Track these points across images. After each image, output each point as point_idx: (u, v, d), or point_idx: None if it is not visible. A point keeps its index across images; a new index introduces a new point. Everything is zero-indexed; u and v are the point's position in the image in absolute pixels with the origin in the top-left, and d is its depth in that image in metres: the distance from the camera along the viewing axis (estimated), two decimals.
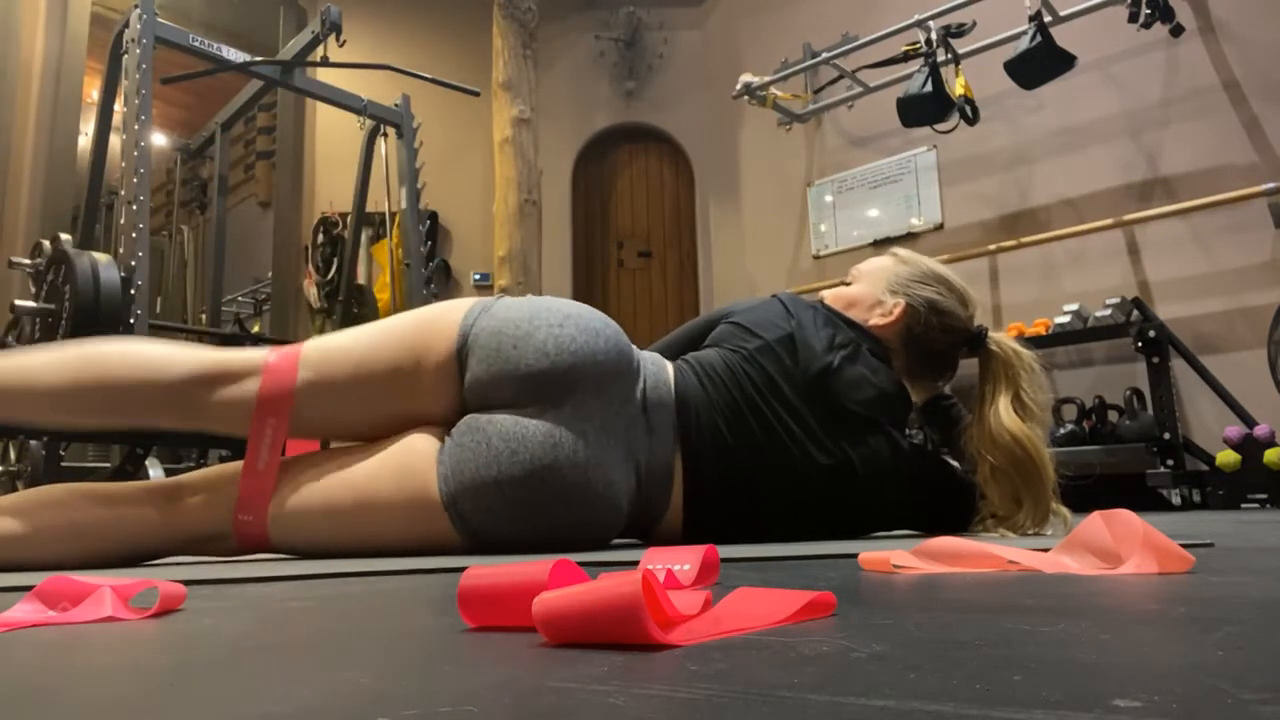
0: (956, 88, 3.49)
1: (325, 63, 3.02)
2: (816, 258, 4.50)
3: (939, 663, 0.30)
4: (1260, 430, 2.81)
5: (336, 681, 0.30)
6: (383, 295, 4.54)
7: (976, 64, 3.67)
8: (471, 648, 0.38)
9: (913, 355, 1.32)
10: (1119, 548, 0.64)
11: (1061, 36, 3.31)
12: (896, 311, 1.30)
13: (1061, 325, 3.24)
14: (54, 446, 2.58)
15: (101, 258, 2.29)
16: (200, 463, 3.02)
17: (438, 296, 3.47)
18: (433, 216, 4.92)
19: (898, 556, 0.70)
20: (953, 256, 3.64)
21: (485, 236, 4.75)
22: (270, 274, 5.13)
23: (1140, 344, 3.01)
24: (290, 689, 0.29)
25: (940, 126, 3.62)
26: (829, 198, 4.46)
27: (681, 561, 0.59)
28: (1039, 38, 3.25)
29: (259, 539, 1.06)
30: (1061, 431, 3.16)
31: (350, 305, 4.00)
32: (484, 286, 4.87)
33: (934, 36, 3.53)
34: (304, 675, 0.32)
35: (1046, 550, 0.70)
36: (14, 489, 2.65)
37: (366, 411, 1.11)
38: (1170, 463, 2.91)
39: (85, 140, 4.00)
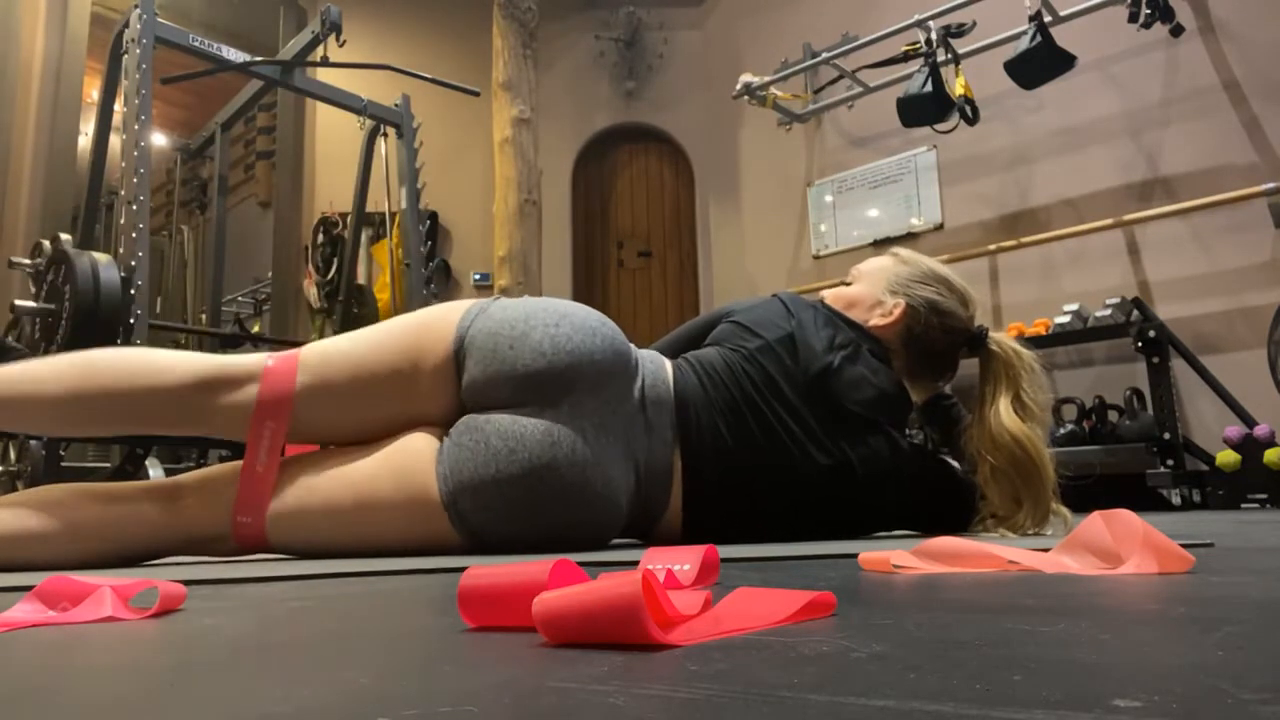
0: (956, 88, 3.49)
1: (325, 63, 3.02)
2: (816, 258, 4.50)
3: (939, 663, 0.30)
4: (1260, 430, 2.81)
5: (336, 681, 0.30)
6: (383, 295, 4.54)
7: (976, 64, 3.67)
8: (471, 648, 0.38)
9: (913, 355, 1.32)
10: (1119, 548, 0.64)
11: (1061, 36, 3.31)
12: (897, 312, 1.30)
13: (1061, 325, 3.24)
14: (54, 446, 2.58)
15: (101, 258, 2.29)
16: (200, 463, 3.02)
17: (438, 297, 3.47)
18: (433, 216, 4.92)
19: (898, 556, 0.70)
20: (953, 256, 3.64)
21: (485, 236, 4.75)
22: (270, 274, 5.13)
23: (1140, 344, 3.01)
24: (290, 689, 0.29)
25: (940, 126, 3.62)
26: (829, 198, 4.47)
27: (681, 561, 0.59)
28: (1039, 38, 3.25)
29: (257, 540, 1.06)
30: (1061, 431, 3.16)
31: (350, 305, 4.00)
32: (484, 286, 4.87)
33: (934, 36, 3.53)
34: (304, 675, 0.32)
35: (1046, 550, 0.70)
36: (14, 489, 2.65)
37: (365, 414, 1.11)
38: (1170, 463, 2.91)
39: (85, 140, 4.00)
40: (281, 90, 3.49)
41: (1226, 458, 2.84)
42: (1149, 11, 3.16)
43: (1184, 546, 0.62)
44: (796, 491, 1.18)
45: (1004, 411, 1.22)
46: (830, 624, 0.41)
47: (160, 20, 2.61)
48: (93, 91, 3.38)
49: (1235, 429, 2.87)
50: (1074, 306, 3.30)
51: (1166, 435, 2.94)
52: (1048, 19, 3.35)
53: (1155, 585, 0.55)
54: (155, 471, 2.23)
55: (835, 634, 0.38)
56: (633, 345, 1.20)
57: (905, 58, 3.77)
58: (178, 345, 4.43)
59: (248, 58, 2.92)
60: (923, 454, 1.32)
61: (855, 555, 0.79)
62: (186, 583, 0.63)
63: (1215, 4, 3.33)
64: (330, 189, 4.93)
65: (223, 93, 3.86)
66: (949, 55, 3.54)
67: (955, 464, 1.33)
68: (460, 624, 0.44)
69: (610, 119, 5.22)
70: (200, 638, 0.43)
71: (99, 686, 0.31)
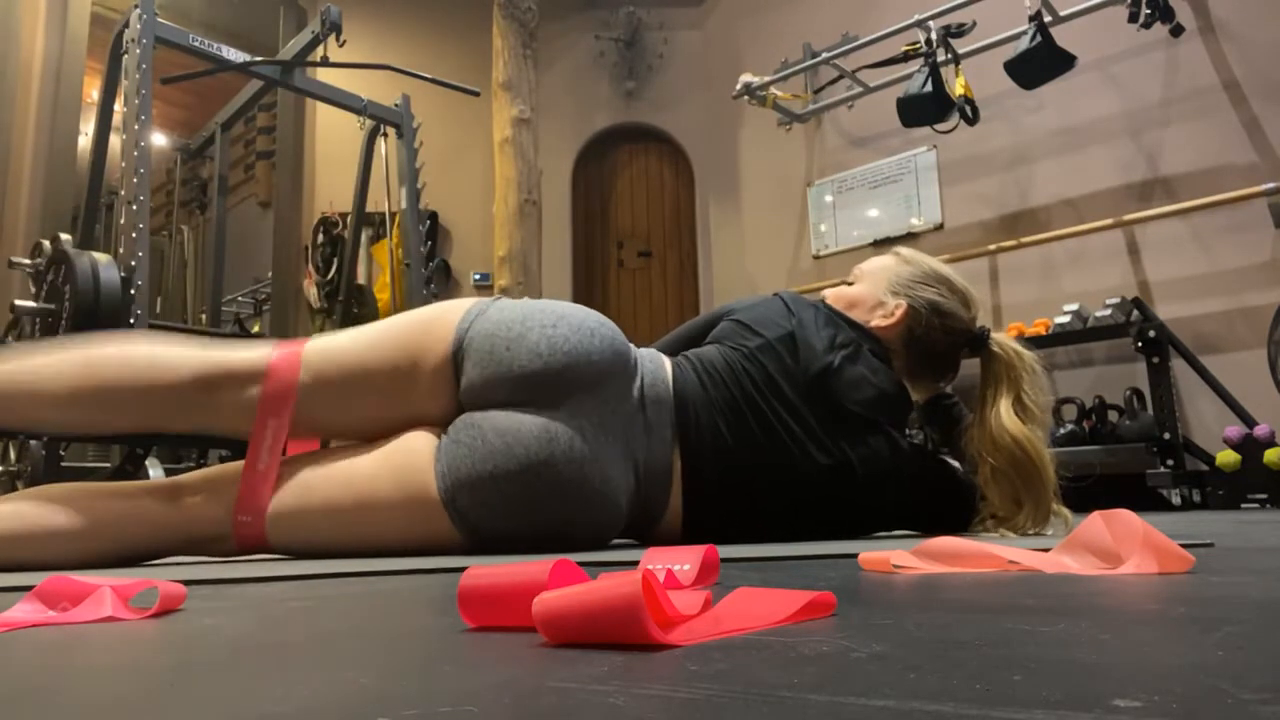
0: (956, 88, 3.49)
1: (325, 63, 3.02)
2: (816, 258, 4.50)
3: (939, 663, 0.30)
4: (1260, 430, 2.81)
5: (336, 681, 0.30)
6: (383, 295, 4.54)
7: (976, 64, 3.67)
8: (471, 648, 0.38)
9: (914, 356, 1.32)
10: (1119, 548, 0.64)
11: (1061, 36, 3.31)
12: (898, 313, 1.30)
13: (1061, 325, 3.24)
14: (54, 446, 2.58)
15: (101, 258, 2.29)
16: (200, 463, 3.02)
17: (438, 296, 3.47)
18: (433, 216, 4.92)
19: (898, 556, 0.70)
20: (953, 256, 3.64)
21: (485, 236, 4.75)
22: (270, 274, 5.13)
23: (1140, 344, 3.01)
24: (290, 689, 0.29)
25: (940, 126, 3.62)
26: (829, 198, 4.47)
27: (681, 561, 0.59)
28: (1039, 38, 3.25)
29: (257, 540, 1.06)
30: (1061, 431, 3.16)
31: (350, 305, 4.00)
32: (484, 286, 4.87)
33: (934, 36, 3.53)
34: (304, 675, 0.32)
35: (1046, 550, 0.70)
36: (14, 489, 2.65)
37: (366, 412, 1.12)
38: (1170, 463, 2.91)
39: (85, 140, 4.00)
40: (281, 90, 3.49)
41: (1226, 458, 2.84)
42: (1149, 11, 3.16)
43: (1184, 546, 0.62)
44: (796, 490, 1.18)
45: (1005, 413, 1.22)
46: (830, 624, 0.41)
47: (160, 20, 2.61)
48: (93, 91, 3.38)
49: (1235, 429, 2.87)
50: (1074, 306, 3.30)
51: (1166, 435, 2.95)
52: (1048, 19, 3.35)
53: (1155, 585, 0.55)
54: (155, 471, 2.23)
55: (835, 634, 0.38)
56: (632, 345, 1.20)
57: (905, 58, 3.77)
58: None
59: (248, 58, 2.92)
60: (922, 454, 1.32)
61: (855, 555, 0.79)
62: (186, 583, 0.63)
63: (1215, 4, 3.33)
64: (330, 189, 4.93)
65: (223, 93, 3.86)
66: (949, 55, 3.54)
67: (956, 464, 1.33)
68: (460, 624, 0.44)
69: (610, 119, 5.22)
70: (200, 638, 0.43)
71: (99, 686, 0.31)
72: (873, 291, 1.33)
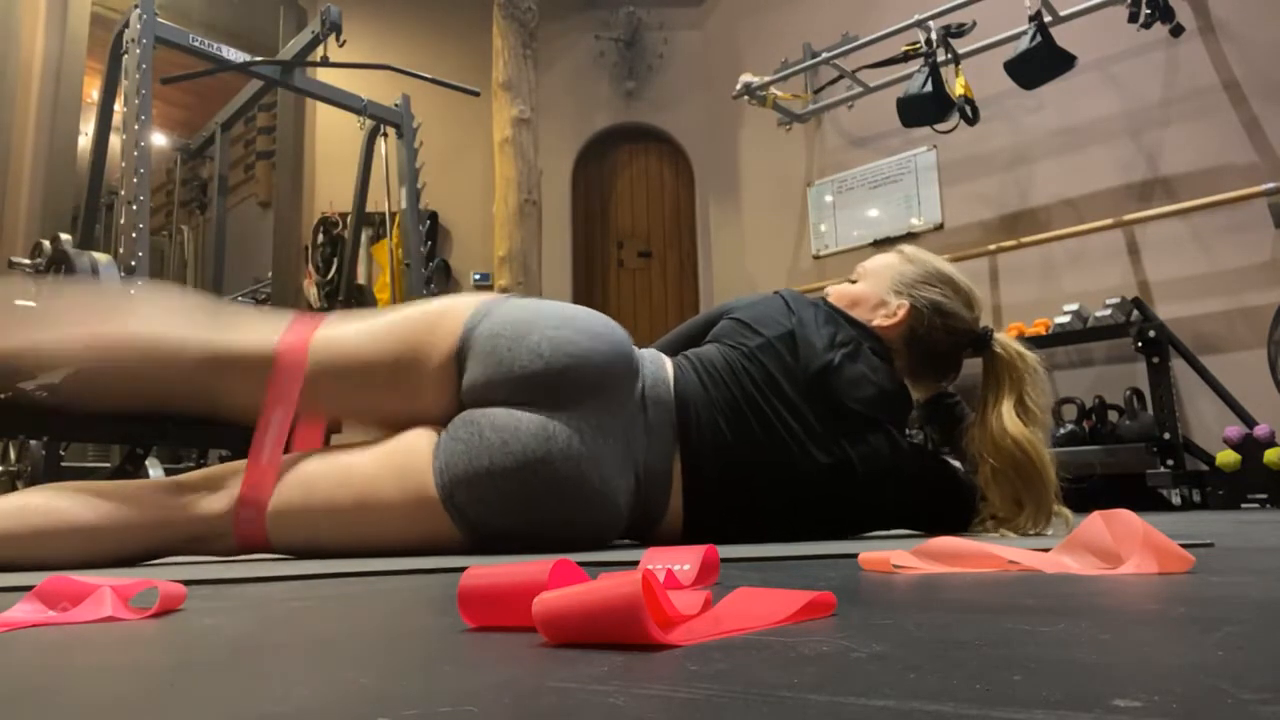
0: (956, 88, 3.49)
1: (325, 63, 3.02)
2: (816, 258, 4.50)
3: (939, 663, 0.30)
4: (1260, 430, 2.81)
5: (336, 681, 0.30)
6: (383, 295, 4.54)
7: (976, 64, 3.67)
8: (471, 648, 0.38)
9: (915, 355, 1.32)
10: (1119, 548, 0.64)
11: (1061, 36, 3.31)
12: (901, 313, 1.30)
13: (1061, 325, 3.24)
14: (54, 446, 2.58)
15: (101, 258, 2.29)
16: (200, 462, 3.02)
17: (438, 296, 3.46)
18: (433, 216, 4.92)
19: (898, 556, 0.70)
20: (953, 256, 3.63)
21: (485, 236, 4.75)
22: (270, 274, 5.13)
23: (1140, 344, 3.01)
24: (290, 689, 0.29)
25: (940, 126, 3.62)
26: (829, 198, 4.46)
27: (681, 561, 0.59)
28: (1039, 38, 3.25)
29: (258, 539, 1.06)
30: (1061, 431, 3.16)
31: (350, 305, 4.00)
32: (484, 286, 4.87)
33: (934, 36, 3.53)
34: (304, 675, 0.32)
35: (1047, 550, 0.70)
36: (14, 489, 2.65)
37: (371, 403, 1.14)
38: (1170, 463, 2.91)
39: (85, 140, 4.00)
40: (281, 90, 3.49)
41: (1226, 458, 2.84)
42: (1149, 11, 3.16)
43: (1184, 546, 0.62)
44: (797, 489, 1.18)
45: (1006, 415, 1.22)
46: (830, 624, 0.41)
47: (160, 20, 2.61)
48: (93, 91, 3.38)
49: (1235, 429, 2.87)
50: (1074, 306, 3.30)
51: (1166, 435, 2.95)
52: (1048, 19, 3.35)
53: (1155, 585, 0.55)
54: (155, 471, 2.23)
55: (835, 634, 0.38)
56: (635, 347, 1.20)
57: (905, 58, 3.77)
58: None
59: (248, 58, 2.92)
60: (922, 453, 1.32)
61: (855, 555, 0.79)
62: (186, 583, 0.63)
63: (1215, 4, 3.33)
64: (330, 189, 4.93)
65: (223, 93, 3.86)
66: (949, 55, 3.54)
67: (957, 464, 1.33)
68: (460, 624, 0.44)
69: (610, 119, 5.22)
70: (200, 638, 0.43)
71: (99, 686, 0.31)
72: (875, 290, 1.33)
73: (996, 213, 3.88)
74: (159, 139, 6.07)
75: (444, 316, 1.14)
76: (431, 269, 4.32)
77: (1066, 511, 1.21)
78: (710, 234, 5.06)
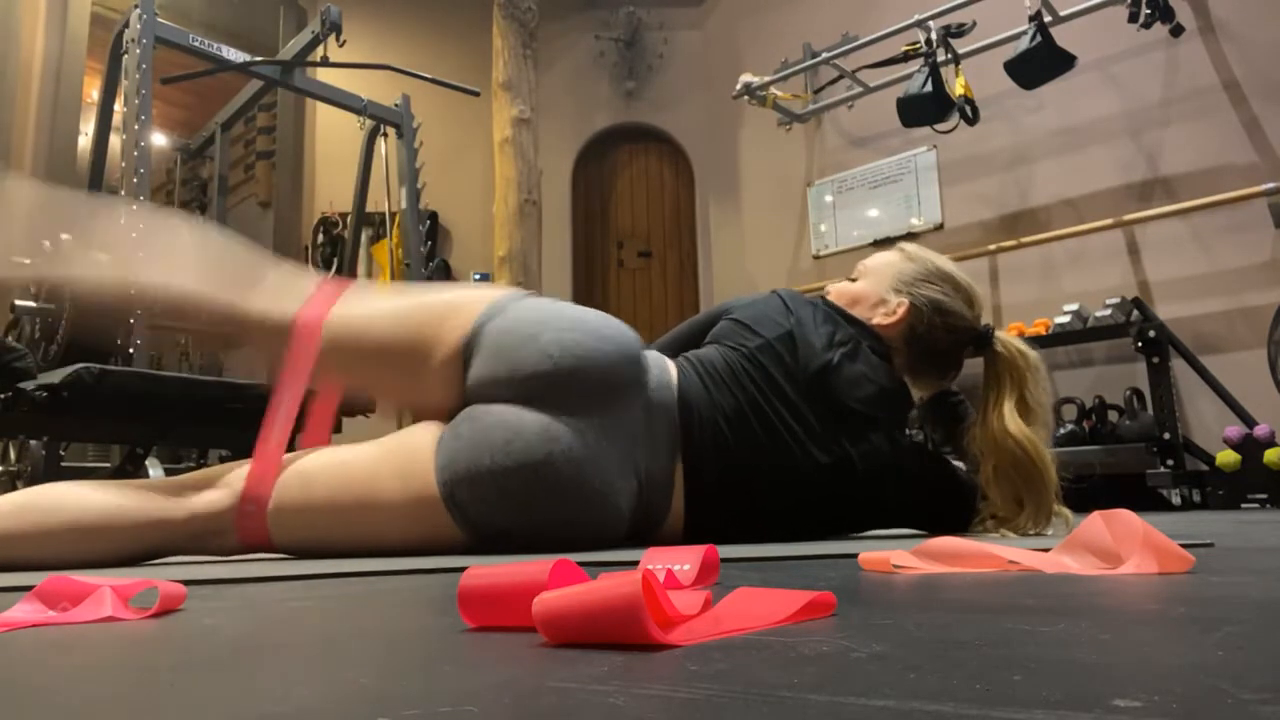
0: (956, 88, 3.49)
1: (325, 63, 3.02)
2: (816, 258, 4.49)
3: (939, 663, 0.30)
4: (1260, 430, 2.81)
5: (336, 681, 0.30)
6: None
7: (976, 64, 3.67)
8: (471, 648, 0.38)
9: (915, 354, 1.31)
10: (1119, 548, 0.64)
11: (1061, 36, 3.31)
12: (900, 311, 1.29)
13: (1061, 325, 3.24)
14: (54, 446, 2.58)
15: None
16: (200, 462, 3.02)
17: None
18: (433, 216, 4.92)
19: (898, 556, 0.70)
20: (953, 257, 3.58)
21: (485, 236, 4.75)
22: None
23: (1140, 344, 3.01)
24: (290, 689, 0.29)
25: (940, 126, 3.62)
26: (829, 198, 4.46)
27: (681, 561, 0.59)
28: (1039, 38, 3.25)
29: (260, 537, 1.06)
30: (1061, 431, 3.16)
31: None
32: None
33: (934, 36, 3.54)
34: (304, 675, 0.32)
35: (1047, 550, 0.70)
36: (14, 489, 2.65)
37: (380, 380, 1.19)
38: (1170, 463, 2.91)
39: (85, 140, 4.00)
40: (281, 90, 3.49)
41: (1226, 458, 2.84)
42: (1149, 11, 3.16)
43: (1184, 546, 0.62)
44: (798, 490, 1.18)
45: (1008, 414, 1.22)
46: (830, 624, 0.41)
47: (160, 20, 2.61)
48: (93, 91, 3.38)
49: (1235, 429, 2.87)
50: (1074, 306, 3.30)
51: (1166, 435, 2.95)
52: (1048, 19, 3.35)
53: (1155, 585, 0.55)
54: (155, 471, 2.23)
55: (835, 634, 0.38)
56: (643, 351, 1.20)
57: (905, 58, 3.77)
58: (177, 345, 4.43)
59: (248, 58, 2.92)
60: (922, 452, 1.32)
61: (855, 555, 0.79)
62: (186, 583, 0.63)
63: (1215, 4, 3.33)
64: (330, 189, 4.93)
65: (223, 93, 3.86)
66: (949, 55, 3.54)
67: (959, 464, 1.33)
68: (460, 624, 0.44)
69: (610, 119, 5.22)
70: (200, 638, 0.43)
71: (99, 686, 0.31)
72: (875, 289, 1.33)
73: (996, 213, 3.88)
74: (159, 139, 6.06)
75: (456, 310, 1.15)
76: (431, 269, 4.32)
77: (1066, 511, 1.21)
78: (710, 234, 5.06)
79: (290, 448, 1.11)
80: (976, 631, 0.37)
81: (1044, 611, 0.44)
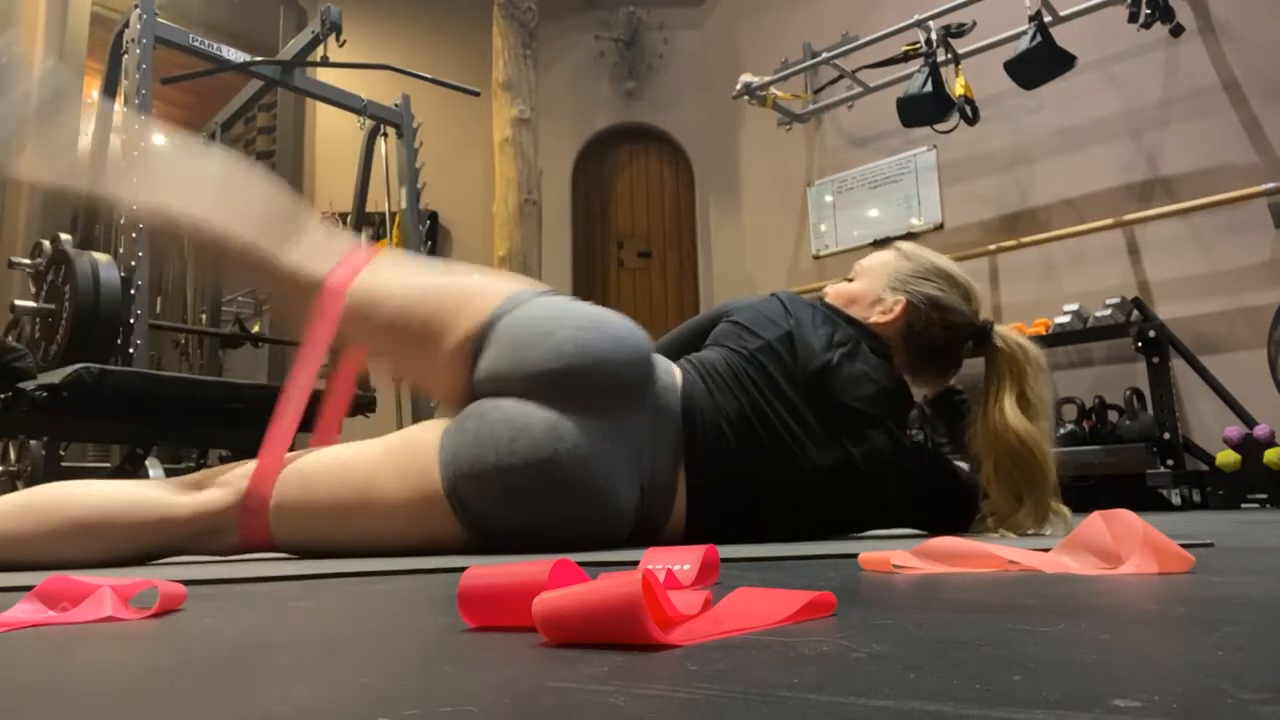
0: (956, 88, 3.50)
1: (325, 63, 3.03)
2: (816, 258, 4.49)
3: (939, 663, 0.30)
4: (1260, 430, 2.81)
5: (336, 681, 0.30)
6: None
7: (976, 64, 3.67)
8: (471, 648, 0.38)
9: (914, 351, 1.31)
10: (1119, 548, 0.64)
11: (1061, 36, 3.31)
12: (897, 309, 1.30)
13: (1061, 325, 3.24)
14: (54, 446, 2.58)
15: (101, 258, 2.29)
16: (200, 462, 3.02)
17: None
18: (433, 216, 4.92)
19: (898, 556, 0.70)
20: (953, 257, 3.58)
21: (485, 236, 4.75)
22: None
23: (1140, 344, 3.01)
24: (290, 689, 0.29)
25: (940, 126, 3.62)
26: (829, 198, 4.46)
27: (681, 561, 0.59)
28: (1039, 38, 3.25)
29: (262, 536, 1.05)
30: (1061, 431, 3.16)
31: None
32: None
33: (934, 36, 3.54)
34: (304, 675, 0.32)
35: (1046, 550, 0.70)
36: (14, 489, 2.65)
37: (393, 351, 1.21)
38: (1170, 463, 2.91)
39: (85, 140, 3.99)
40: (281, 90, 3.49)
41: (1226, 458, 2.84)
42: (1149, 11, 3.16)
43: (1184, 546, 0.62)
44: (800, 492, 1.18)
45: (1008, 408, 1.22)
46: (830, 624, 0.41)
47: (160, 20, 2.61)
48: (93, 91, 3.38)
49: (1235, 429, 2.87)
50: (1074, 306, 3.30)
51: (1166, 435, 2.95)
52: (1048, 19, 3.35)
53: (1155, 585, 0.55)
54: (155, 471, 2.23)
55: (835, 634, 0.38)
56: (653, 355, 1.20)
57: (905, 58, 3.77)
58: (177, 345, 4.43)
59: (248, 58, 2.92)
60: (922, 452, 1.32)
61: (855, 555, 0.79)
62: (186, 583, 0.63)
63: (1215, 4, 3.33)
64: (330, 189, 4.93)
65: (223, 93, 3.86)
66: (949, 55, 3.54)
67: (963, 465, 1.33)
68: (460, 624, 0.44)
69: (610, 119, 5.22)
70: (200, 638, 0.43)
71: (99, 686, 0.31)
72: (872, 288, 1.33)
73: (996, 213, 3.88)
74: (159, 139, 6.06)
75: (474, 298, 1.15)
76: None
77: (1065, 510, 1.21)
78: (710, 234, 5.06)
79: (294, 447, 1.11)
80: (976, 631, 0.37)
81: (1044, 611, 0.44)
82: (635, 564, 0.61)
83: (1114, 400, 3.23)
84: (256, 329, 4.81)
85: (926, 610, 0.46)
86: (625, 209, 5.29)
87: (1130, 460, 2.95)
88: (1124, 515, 0.65)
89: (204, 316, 3.94)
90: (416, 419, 3.18)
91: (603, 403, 1.09)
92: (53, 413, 2.00)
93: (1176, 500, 2.86)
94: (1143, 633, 0.37)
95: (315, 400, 1.19)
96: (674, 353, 1.30)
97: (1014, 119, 3.83)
